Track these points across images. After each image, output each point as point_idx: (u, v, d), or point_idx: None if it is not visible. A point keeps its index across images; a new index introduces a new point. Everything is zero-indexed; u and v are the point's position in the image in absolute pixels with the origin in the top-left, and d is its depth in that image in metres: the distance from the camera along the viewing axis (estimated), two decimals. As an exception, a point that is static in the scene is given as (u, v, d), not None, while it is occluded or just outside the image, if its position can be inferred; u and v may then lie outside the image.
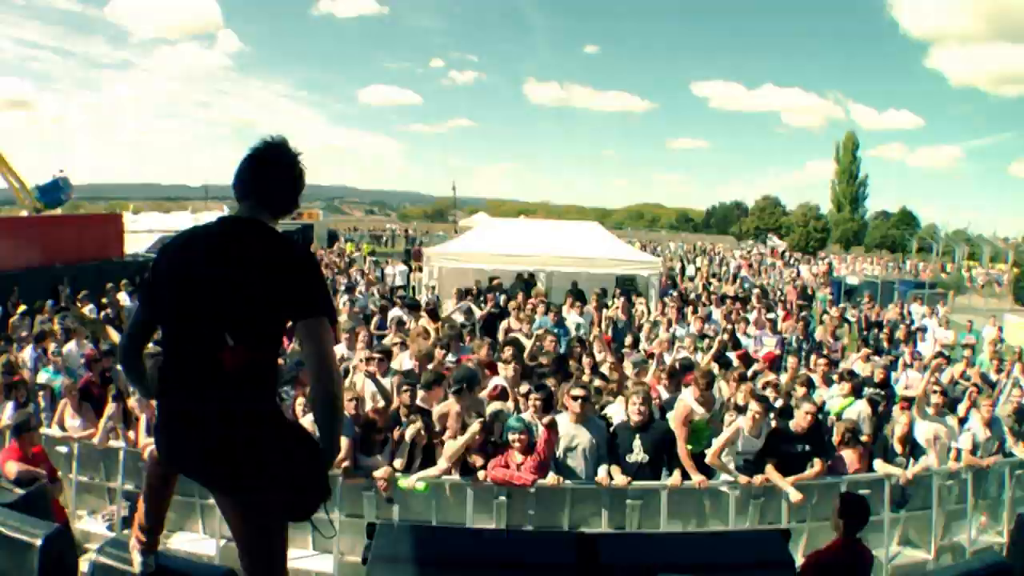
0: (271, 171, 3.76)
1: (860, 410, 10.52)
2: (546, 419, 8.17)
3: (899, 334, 18.75)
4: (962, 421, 10.41)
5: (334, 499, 8.07)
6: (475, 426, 8.08)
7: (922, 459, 9.17)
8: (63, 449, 9.40)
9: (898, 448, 9.20)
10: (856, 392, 11.18)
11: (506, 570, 4.46)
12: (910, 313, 26.17)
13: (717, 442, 8.64)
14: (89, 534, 8.76)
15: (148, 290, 3.96)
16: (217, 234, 3.71)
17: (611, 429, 8.73)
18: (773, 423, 9.01)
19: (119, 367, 8.03)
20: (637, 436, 8.45)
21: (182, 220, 47.94)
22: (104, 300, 19.64)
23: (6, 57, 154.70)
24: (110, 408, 9.21)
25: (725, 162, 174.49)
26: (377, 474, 8.09)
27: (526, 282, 23.03)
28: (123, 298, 20.16)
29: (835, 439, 9.22)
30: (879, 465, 9.03)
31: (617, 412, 9.30)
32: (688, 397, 9.01)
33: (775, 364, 13.27)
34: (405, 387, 9.02)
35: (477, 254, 23.78)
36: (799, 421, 8.78)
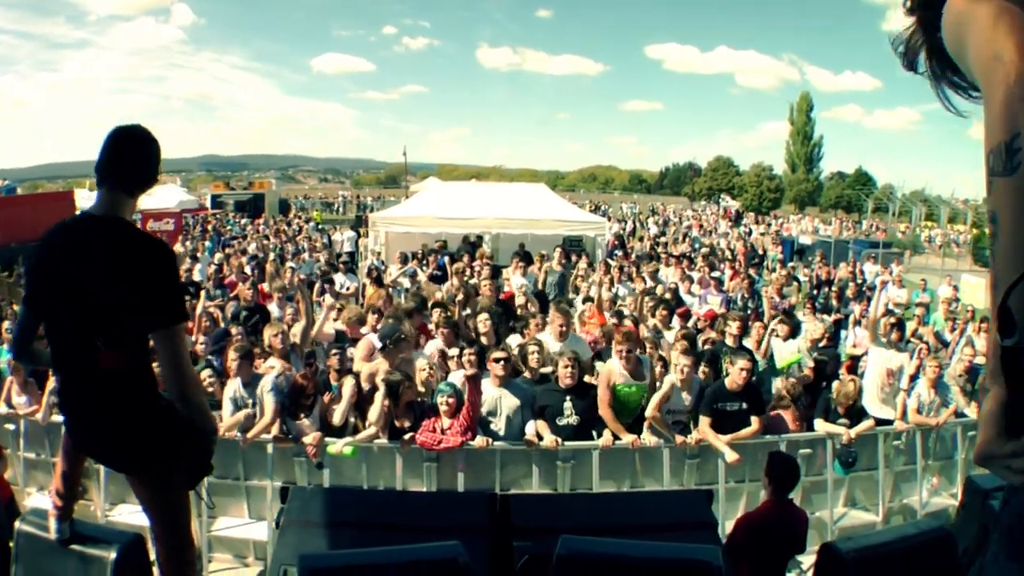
0: (123, 152, 3.91)
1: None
2: (469, 372, 8.16)
3: (849, 292, 18.88)
4: (912, 379, 10.35)
5: (267, 466, 8.22)
6: (381, 388, 8.10)
7: (866, 419, 9.10)
8: (11, 427, 9.41)
9: (840, 409, 9.08)
10: (794, 334, 11.27)
11: (418, 532, 4.41)
12: (862, 272, 26.45)
13: (654, 398, 8.57)
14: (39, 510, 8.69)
15: (27, 287, 4.24)
16: (75, 240, 3.84)
17: (540, 391, 8.63)
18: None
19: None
20: (568, 398, 8.39)
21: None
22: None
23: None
24: (51, 383, 9.03)
25: (679, 124, 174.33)
26: (306, 440, 8.04)
27: (472, 244, 22.92)
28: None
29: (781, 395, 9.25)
30: (820, 424, 8.99)
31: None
32: (614, 362, 8.84)
33: (715, 321, 13.26)
34: (334, 351, 9.04)
35: (422, 218, 23.72)
36: (734, 378, 8.63)
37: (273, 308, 12.82)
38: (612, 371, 8.66)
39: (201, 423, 3.93)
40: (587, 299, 13.44)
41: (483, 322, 10.34)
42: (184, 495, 4.19)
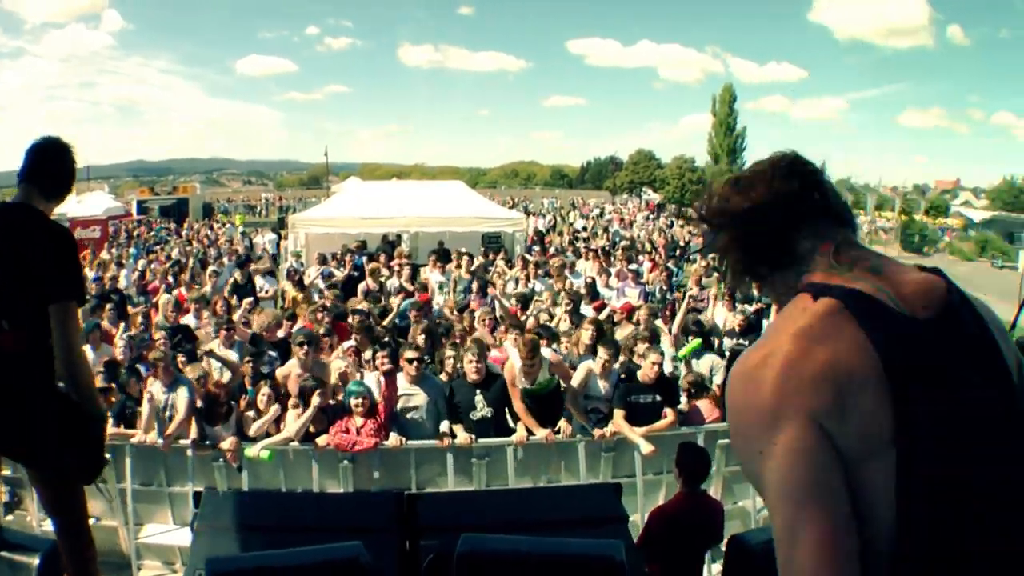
0: (43, 158, 4.17)
1: (712, 363, 10.57)
2: (384, 368, 8.34)
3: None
4: None
5: (187, 470, 8.29)
6: (315, 400, 8.14)
7: None
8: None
9: None
10: (705, 340, 11.26)
11: (326, 533, 4.50)
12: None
13: (571, 388, 8.73)
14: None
15: None
16: None
17: (451, 387, 8.69)
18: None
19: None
20: (478, 392, 8.48)
21: (66, 203, 47.55)
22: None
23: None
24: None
25: (602, 119, 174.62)
26: (223, 445, 8.12)
27: (391, 244, 22.88)
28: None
29: (682, 391, 9.26)
30: None
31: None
32: (515, 359, 8.88)
33: (633, 314, 13.37)
34: (248, 358, 9.23)
35: (341, 219, 23.66)
36: (646, 371, 8.69)
37: (190, 319, 12.71)
38: (515, 374, 8.67)
39: (89, 406, 4.08)
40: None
41: (419, 338, 10.19)
42: (80, 490, 4.34)
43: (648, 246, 29.37)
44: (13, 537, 4.58)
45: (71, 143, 4.27)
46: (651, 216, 57.11)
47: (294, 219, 25.33)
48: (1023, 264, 42.84)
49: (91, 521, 7.75)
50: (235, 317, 11.27)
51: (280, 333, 10.51)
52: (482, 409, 8.45)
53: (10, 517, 7.84)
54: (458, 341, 9.99)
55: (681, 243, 32.63)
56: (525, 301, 13.37)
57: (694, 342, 10.92)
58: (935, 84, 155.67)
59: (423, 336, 10.21)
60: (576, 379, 8.76)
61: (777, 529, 1.67)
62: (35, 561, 4.29)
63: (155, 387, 8.56)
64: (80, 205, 46.79)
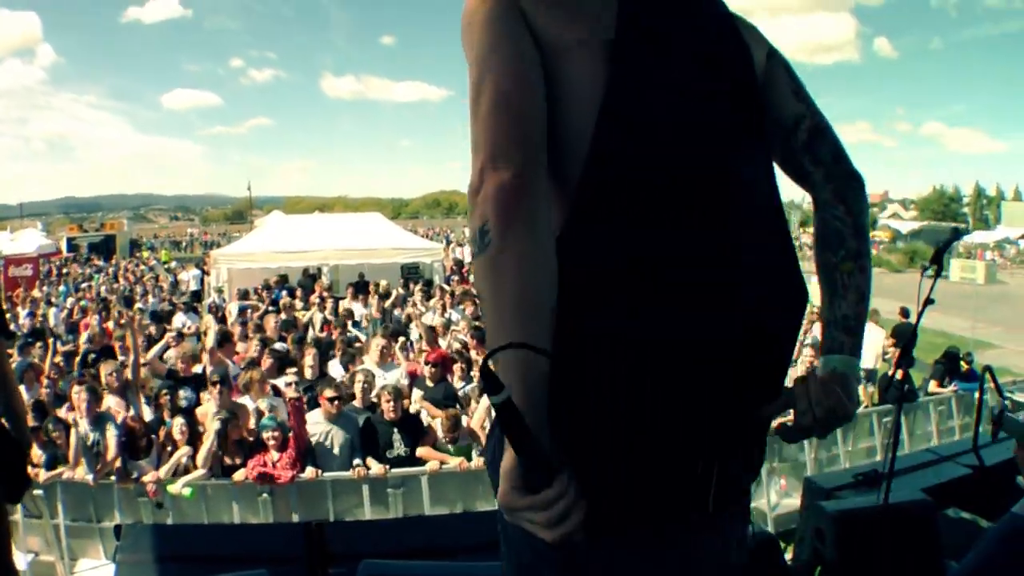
0: None
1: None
2: (290, 395, 8.52)
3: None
4: None
5: (115, 505, 8.40)
6: (214, 426, 8.39)
7: None
8: None
9: None
10: None
11: (237, 563, 4.73)
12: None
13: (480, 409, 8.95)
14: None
15: None
16: None
17: (366, 423, 8.79)
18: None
19: None
20: (395, 430, 8.64)
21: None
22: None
23: None
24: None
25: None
26: (145, 479, 8.27)
27: (311, 277, 23.43)
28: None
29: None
30: None
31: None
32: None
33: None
34: (164, 391, 9.43)
35: (263, 253, 23.60)
36: None
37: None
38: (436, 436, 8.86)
39: (18, 434, 4.33)
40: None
41: (310, 355, 10.52)
42: (5, 510, 4.45)
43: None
44: None
45: None
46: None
47: (216, 254, 25.23)
48: (954, 272, 43.49)
49: (30, 557, 8.23)
50: (151, 352, 11.42)
51: (196, 368, 10.55)
52: (399, 448, 8.63)
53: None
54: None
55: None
56: (442, 330, 13.69)
57: None
58: (861, 98, 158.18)
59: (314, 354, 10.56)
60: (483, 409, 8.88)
61: (469, 97, 1.75)
62: None
63: (82, 423, 8.63)
64: (14, 243, 46.70)
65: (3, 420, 4.32)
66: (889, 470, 4.61)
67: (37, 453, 8.63)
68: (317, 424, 8.62)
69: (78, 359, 12.76)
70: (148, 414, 9.48)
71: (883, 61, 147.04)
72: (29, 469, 4.52)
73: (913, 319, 5.04)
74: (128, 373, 9.99)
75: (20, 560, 8.31)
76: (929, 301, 4.58)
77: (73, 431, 8.66)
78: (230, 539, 6.24)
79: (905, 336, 16.92)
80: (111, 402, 9.22)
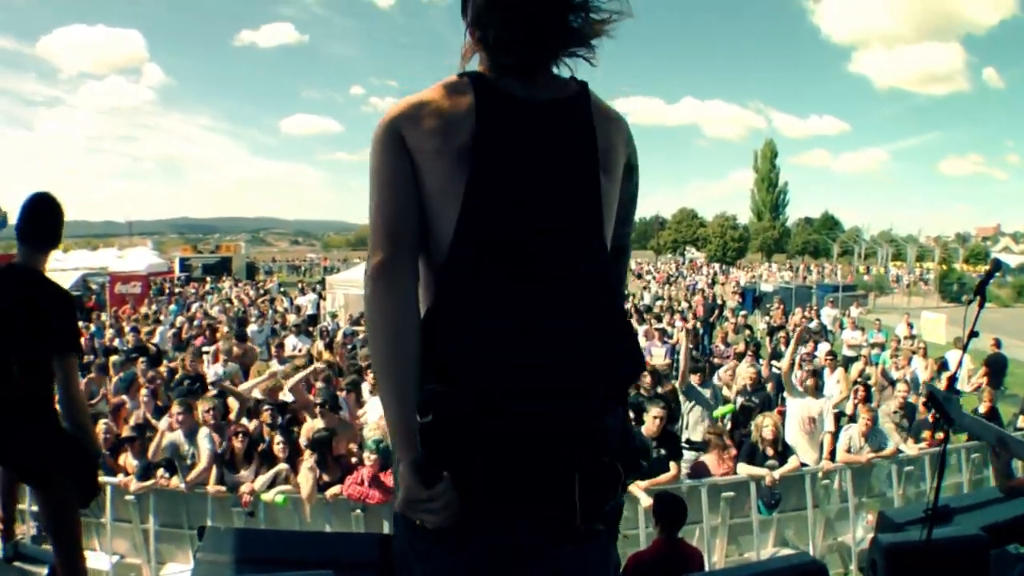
0: (29, 215, 4.79)
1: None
2: None
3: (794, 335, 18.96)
4: (851, 419, 10.58)
5: (207, 513, 8.52)
6: (308, 460, 8.56)
7: (791, 459, 9.11)
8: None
9: (769, 451, 9.09)
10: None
11: (310, 567, 4.79)
12: (819, 316, 26.49)
13: None
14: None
15: None
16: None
17: None
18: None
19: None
20: None
21: (108, 258, 48.61)
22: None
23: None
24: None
25: (647, 177, 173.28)
26: (242, 489, 8.41)
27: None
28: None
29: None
30: (742, 468, 8.97)
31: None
32: None
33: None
34: (266, 408, 9.62)
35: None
36: (649, 426, 8.86)
37: (218, 368, 13.36)
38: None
39: (85, 443, 4.67)
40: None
41: None
42: (75, 511, 4.82)
43: (682, 306, 29.29)
44: (27, 551, 5.58)
45: (54, 196, 4.86)
46: (693, 274, 57.09)
47: (332, 280, 25.64)
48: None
49: (115, 559, 8.49)
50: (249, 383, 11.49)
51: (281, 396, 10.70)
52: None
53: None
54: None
55: (720, 302, 32.33)
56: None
57: (728, 407, 11.21)
58: (972, 130, 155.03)
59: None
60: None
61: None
62: (43, 571, 5.19)
63: (176, 435, 8.98)
64: (122, 260, 47.44)
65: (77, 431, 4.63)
66: (933, 506, 4.64)
67: (132, 462, 8.91)
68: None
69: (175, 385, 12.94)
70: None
71: (992, 92, 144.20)
72: (103, 476, 4.92)
73: (1006, 350, 4.97)
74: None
75: (104, 561, 8.64)
76: (973, 334, 4.66)
77: (166, 438, 9.00)
78: (307, 545, 6.24)
79: (997, 365, 16.61)
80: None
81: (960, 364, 10.36)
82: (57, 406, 4.67)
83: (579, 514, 2.21)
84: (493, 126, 2.23)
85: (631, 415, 9.08)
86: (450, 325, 2.21)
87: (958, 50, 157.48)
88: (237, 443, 8.79)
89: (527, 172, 2.27)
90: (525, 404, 2.18)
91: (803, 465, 9.32)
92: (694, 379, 11.41)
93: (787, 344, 16.85)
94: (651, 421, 8.91)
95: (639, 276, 57.39)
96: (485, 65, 2.36)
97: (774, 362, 14.41)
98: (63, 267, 41.14)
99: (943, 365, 15.83)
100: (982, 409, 11.15)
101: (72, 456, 4.63)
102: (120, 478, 8.62)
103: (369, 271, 2.21)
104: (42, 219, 4.81)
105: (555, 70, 2.40)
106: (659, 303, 30.11)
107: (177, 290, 41.75)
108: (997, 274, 5.58)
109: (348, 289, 24.27)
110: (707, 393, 11.41)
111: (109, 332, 20.79)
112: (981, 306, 4.62)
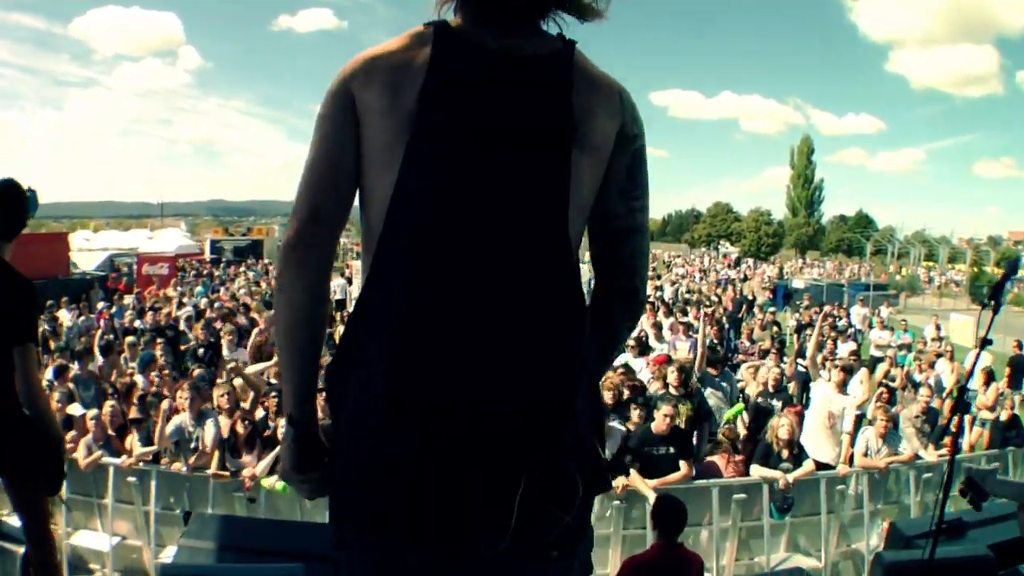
0: None
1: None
2: None
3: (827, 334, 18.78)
4: (871, 423, 10.27)
5: (209, 497, 8.54)
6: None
7: (806, 463, 8.95)
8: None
9: (784, 453, 8.93)
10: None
11: (288, 557, 4.77)
12: (848, 315, 26.51)
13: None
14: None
15: None
16: None
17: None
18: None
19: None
20: None
21: (138, 239, 48.60)
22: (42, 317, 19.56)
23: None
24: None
25: (684, 171, 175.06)
26: (244, 473, 8.41)
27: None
28: (63, 315, 20.60)
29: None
30: (755, 470, 8.86)
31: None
32: None
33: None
34: (273, 394, 9.54)
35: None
36: (658, 424, 8.73)
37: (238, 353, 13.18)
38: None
39: (47, 429, 4.63)
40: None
41: None
42: (44, 499, 4.83)
43: (710, 299, 29.04)
44: (7, 529, 5.86)
45: (18, 184, 4.90)
46: (726, 268, 56.93)
47: (356, 265, 25.51)
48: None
49: (116, 540, 8.53)
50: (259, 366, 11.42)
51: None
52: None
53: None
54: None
55: (750, 297, 32.04)
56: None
57: (737, 407, 11.02)
58: (1005, 133, 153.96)
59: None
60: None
61: None
62: (20, 549, 5.39)
63: (183, 418, 8.94)
64: (152, 241, 47.50)
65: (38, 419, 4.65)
66: (938, 523, 4.44)
67: (138, 444, 8.92)
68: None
69: (189, 353, 13.14)
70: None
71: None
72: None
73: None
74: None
75: (105, 542, 8.66)
76: (987, 341, 4.55)
77: (171, 422, 8.96)
78: (293, 535, 6.24)
79: (1020, 367, 16.52)
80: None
81: (971, 373, 10.12)
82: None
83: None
84: (445, 84, 1.99)
85: (642, 414, 9.03)
86: (356, 339, 2.04)
87: (992, 52, 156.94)
88: (241, 428, 8.78)
89: (477, 140, 2.00)
90: (456, 401, 1.89)
91: (818, 467, 9.14)
92: (711, 370, 11.46)
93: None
94: (660, 418, 8.75)
95: (669, 267, 57.15)
96: (461, 12, 2.11)
97: (799, 360, 14.07)
98: (91, 247, 41.40)
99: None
100: (1003, 417, 10.94)
101: (37, 444, 4.63)
102: (123, 459, 8.63)
103: (284, 240, 2.15)
104: (4, 208, 4.83)
105: (544, 27, 2.16)
106: (686, 295, 29.85)
107: (205, 272, 41.67)
108: (1015, 276, 5.43)
109: (368, 273, 23.64)
110: (724, 386, 11.46)
111: (129, 314, 20.80)
112: (996, 311, 4.47)
